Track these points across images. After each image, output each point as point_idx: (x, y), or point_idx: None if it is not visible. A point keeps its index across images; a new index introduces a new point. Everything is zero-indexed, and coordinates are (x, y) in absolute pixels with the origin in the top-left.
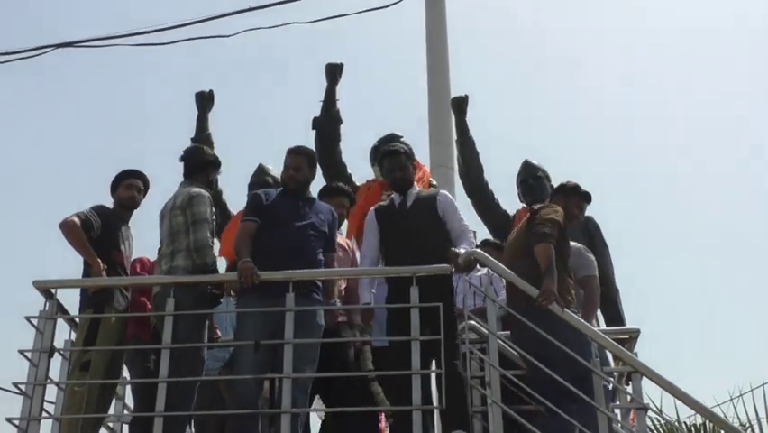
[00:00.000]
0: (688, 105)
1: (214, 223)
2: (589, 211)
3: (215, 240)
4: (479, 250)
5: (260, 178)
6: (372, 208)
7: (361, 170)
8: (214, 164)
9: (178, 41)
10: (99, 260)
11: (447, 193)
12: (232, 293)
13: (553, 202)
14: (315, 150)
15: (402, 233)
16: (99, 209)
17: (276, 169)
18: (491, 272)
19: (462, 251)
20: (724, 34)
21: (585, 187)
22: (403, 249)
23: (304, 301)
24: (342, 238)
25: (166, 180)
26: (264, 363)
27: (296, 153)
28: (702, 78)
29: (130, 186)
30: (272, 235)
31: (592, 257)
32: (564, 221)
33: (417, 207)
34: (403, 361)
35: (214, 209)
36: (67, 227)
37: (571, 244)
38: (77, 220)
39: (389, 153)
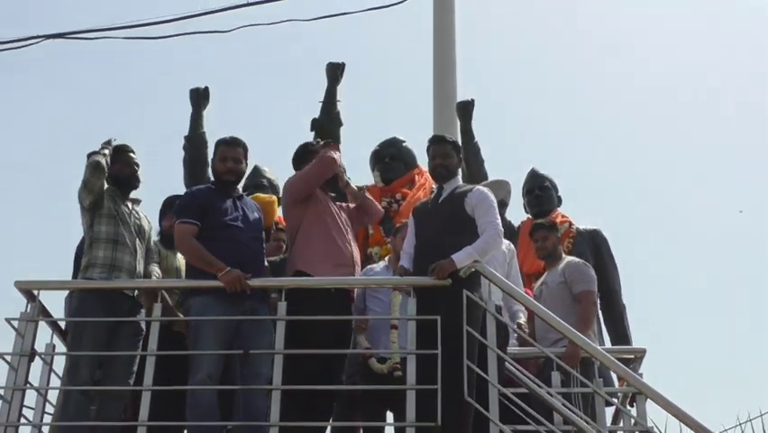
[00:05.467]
0: None
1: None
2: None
3: None
4: (480, 263)
5: (255, 180)
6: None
7: (360, 175)
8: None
9: (174, 36)
10: None
11: (484, 189)
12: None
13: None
14: None
15: (427, 231)
16: None
17: (271, 170)
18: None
19: (461, 258)
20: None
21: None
22: (424, 250)
23: (260, 305)
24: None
25: (158, 179)
26: (220, 366)
27: (234, 144)
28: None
29: None
30: (220, 240)
31: (592, 272)
32: None
33: (447, 202)
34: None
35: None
36: None
37: (571, 258)
38: None
39: (434, 140)
